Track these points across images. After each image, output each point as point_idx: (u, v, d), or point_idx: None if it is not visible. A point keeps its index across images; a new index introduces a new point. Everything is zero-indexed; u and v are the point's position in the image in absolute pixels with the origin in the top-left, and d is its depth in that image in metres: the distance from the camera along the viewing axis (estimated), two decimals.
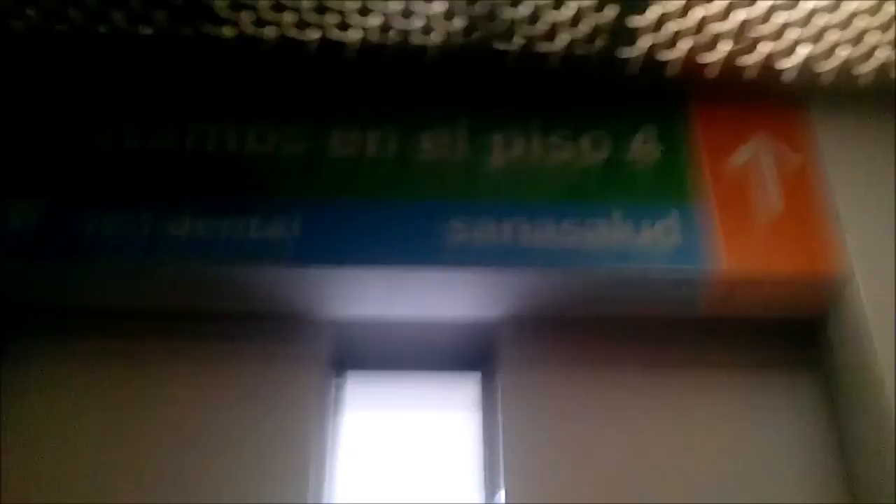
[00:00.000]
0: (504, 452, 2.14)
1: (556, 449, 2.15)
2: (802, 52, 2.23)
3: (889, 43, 2.19)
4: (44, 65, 2.29)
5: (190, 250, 2.07)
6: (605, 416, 2.20)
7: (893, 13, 2.10)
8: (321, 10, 2.12)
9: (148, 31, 2.18)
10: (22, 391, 2.17)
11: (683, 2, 2.07)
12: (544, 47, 2.22)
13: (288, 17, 2.15)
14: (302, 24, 2.17)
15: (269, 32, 2.19)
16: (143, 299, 2.20)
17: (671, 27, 2.15)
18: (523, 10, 2.11)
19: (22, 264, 2.08)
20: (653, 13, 2.11)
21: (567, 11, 2.12)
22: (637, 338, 2.29)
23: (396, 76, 2.31)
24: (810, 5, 2.10)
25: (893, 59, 2.25)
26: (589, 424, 2.19)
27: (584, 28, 2.17)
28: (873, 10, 2.10)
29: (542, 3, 2.09)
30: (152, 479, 2.07)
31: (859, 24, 2.14)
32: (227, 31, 2.18)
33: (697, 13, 2.11)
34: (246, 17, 2.15)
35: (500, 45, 2.22)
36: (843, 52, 2.23)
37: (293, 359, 2.22)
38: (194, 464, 2.09)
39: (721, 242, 2.15)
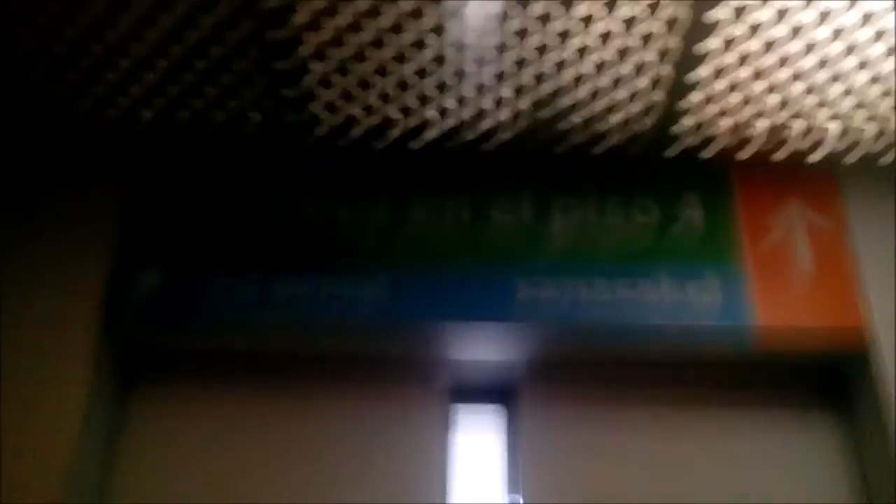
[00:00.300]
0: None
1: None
2: (833, 129, 2.48)
3: None
4: (163, 150, 2.63)
5: (293, 309, 2.40)
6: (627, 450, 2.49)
7: None
8: (405, 111, 2.45)
9: (253, 127, 2.52)
10: (143, 429, 2.52)
11: (725, 86, 2.33)
12: (600, 126, 2.51)
13: (374, 119, 2.47)
14: (389, 126, 2.50)
15: (360, 132, 2.52)
16: (258, 345, 2.54)
17: (713, 108, 2.41)
18: (582, 92, 2.40)
19: (147, 326, 2.43)
20: (696, 97, 2.37)
21: (622, 93, 2.40)
22: (671, 381, 2.57)
23: (470, 152, 2.62)
24: (839, 88, 2.34)
25: None
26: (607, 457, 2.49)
27: (634, 108, 2.45)
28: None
29: (601, 85, 2.37)
30: None
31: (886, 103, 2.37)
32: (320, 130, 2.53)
33: (736, 97, 2.37)
34: (336, 116, 2.48)
35: (561, 125, 2.51)
36: (867, 129, 2.47)
37: (404, 395, 2.55)
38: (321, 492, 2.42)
39: (758, 300, 2.42)
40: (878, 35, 2.19)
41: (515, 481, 2.49)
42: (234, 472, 2.45)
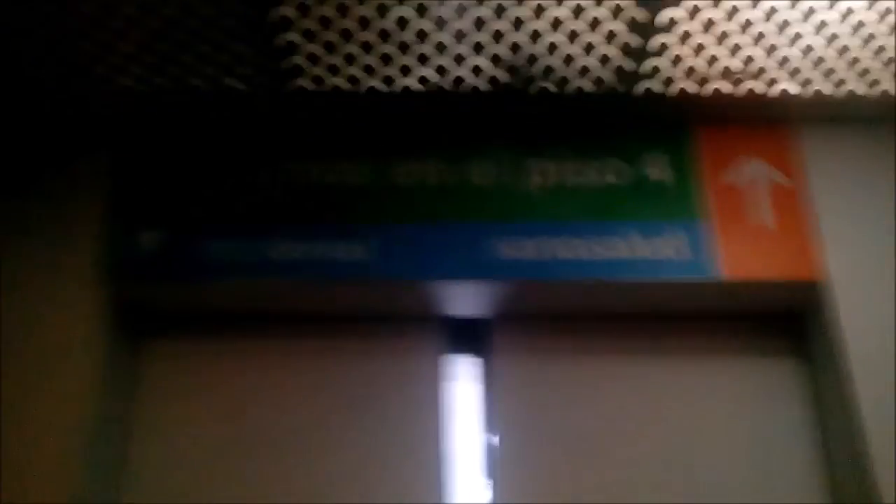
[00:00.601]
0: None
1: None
2: (793, 79, 2.59)
3: (881, 63, 2.52)
4: (153, 117, 2.72)
5: (287, 272, 2.53)
6: (595, 399, 2.67)
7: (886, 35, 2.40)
8: (386, 59, 2.51)
9: (239, 85, 2.59)
10: (155, 385, 2.68)
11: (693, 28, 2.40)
12: (570, 87, 2.62)
13: (357, 70, 2.54)
14: (370, 73, 2.56)
15: (343, 83, 2.59)
16: (257, 306, 2.69)
17: (680, 49, 2.48)
18: (554, 60, 2.51)
19: (149, 284, 2.55)
20: (656, 42, 2.45)
21: (590, 59, 2.51)
22: (637, 333, 2.75)
23: (449, 115, 2.72)
24: (804, 40, 2.43)
25: (882, 84, 2.59)
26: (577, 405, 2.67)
27: (603, 73, 2.56)
28: (866, 33, 2.41)
29: (570, 50, 2.47)
30: (272, 460, 2.59)
31: (852, 44, 2.44)
32: (308, 84, 2.59)
33: (696, 39, 2.45)
34: (322, 71, 2.54)
35: (535, 87, 2.61)
36: (835, 74, 2.56)
37: (393, 349, 2.72)
38: (312, 450, 2.60)
39: (722, 255, 2.57)
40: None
41: (493, 426, 2.66)
42: (234, 421, 2.63)
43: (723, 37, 2.44)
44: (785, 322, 2.75)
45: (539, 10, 2.34)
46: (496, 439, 2.64)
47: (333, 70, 2.55)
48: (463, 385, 2.73)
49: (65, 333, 2.48)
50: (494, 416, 2.67)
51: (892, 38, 2.43)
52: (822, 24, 2.39)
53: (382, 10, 2.32)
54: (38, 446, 2.35)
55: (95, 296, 2.53)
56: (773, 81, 2.61)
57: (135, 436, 2.62)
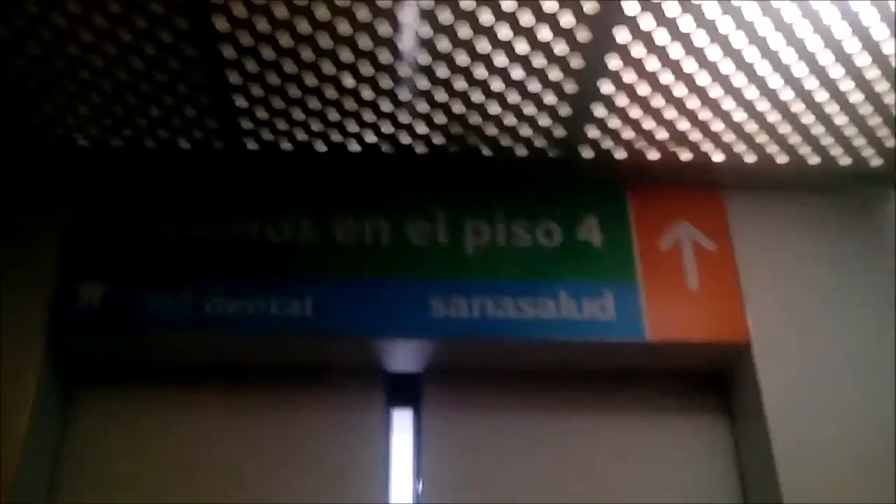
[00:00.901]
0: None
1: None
2: (719, 148, 2.71)
3: (799, 136, 2.64)
4: (103, 172, 2.80)
5: (222, 326, 2.61)
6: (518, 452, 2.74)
7: (803, 108, 2.52)
8: (329, 123, 2.61)
9: (187, 145, 2.69)
10: (88, 433, 2.70)
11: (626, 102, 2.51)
12: (506, 153, 2.73)
13: (300, 132, 2.64)
14: (313, 135, 2.66)
15: (286, 144, 2.69)
16: (195, 359, 2.74)
17: (615, 122, 2.60)
18: (490, 131, 2.62)
19: (87, 336, 2.61)
20: (589, 111, 2.55)
21: (526, 130, 2.63)
22: (565, 390, 2.82)
23: (388, 176, 2.82)
24: (728, 113, 2.54)
25: (802, 153, 2.71)
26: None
27: (538, 141, 2.68)
28: (784, 107, 2.52)
29: (506, 119, 2.59)
30: None
31: (772, 118, 2.56)
32: (251, 144, 2.69)
33: (628, 110, 2.56)
34: (266, 132, 2.65)
35: (472, 151, 2.72)
36: (758, 144, 2.68)
37: (329, 402, 2.77)
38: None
39: (650, 317, 2.66)
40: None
41: (421, 478, 2.72)
42: (168, 474, 2.65)
43: (652, 108, 2.55)
44: (709, 381, 2.83)
45: (476, 82, 2.44)
46: (421, 491, 2.69)
47: (278, 132, 2.65)
48: (399, 438, 2.79)
49: (8, 384, 2.51)
50: (422, 469, 2.72)
51: (809, 113, 2.55)
52: (744, 99, 2.51)
53: (328, 79, 2.42)
54: None
55: (33, 345, 2.57)
56: (699, 150, 2.73)
57: (62, 487, 2.63)
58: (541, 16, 2.21)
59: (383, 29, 2.25)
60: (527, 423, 2.77)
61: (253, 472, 2.66)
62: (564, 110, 2.55)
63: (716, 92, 2.49)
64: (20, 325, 2.59)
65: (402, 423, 2.82)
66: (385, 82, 2.44)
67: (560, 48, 2.32)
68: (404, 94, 2.48)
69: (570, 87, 2.46)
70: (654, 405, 2.82)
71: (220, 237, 2.74)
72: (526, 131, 2.65)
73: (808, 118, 2.59)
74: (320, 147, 2.70)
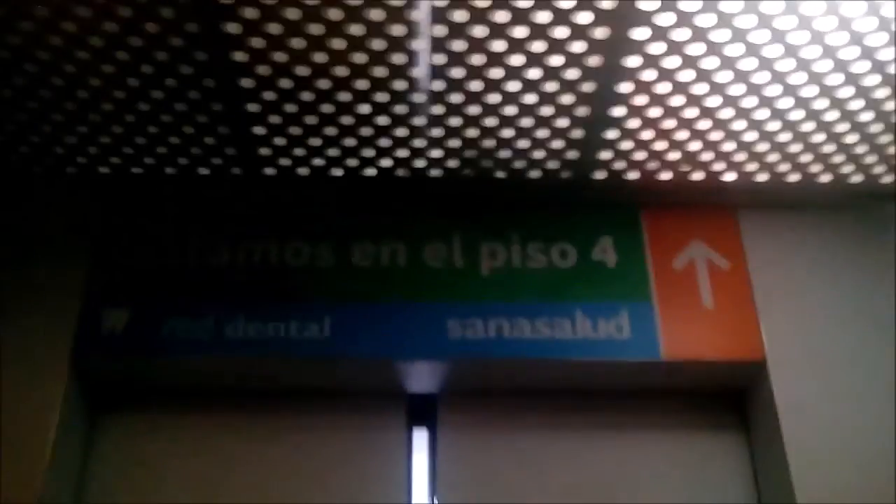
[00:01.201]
0: None
1: None
2: (732, 168, 2.74)
3: (810, 154, 2.66)
4: (125, 200, 2.86)
5: (243, 350, 2.65)
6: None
7: (813, 127, 2.54)
8: (345, 151, 2.66)
9: (206, 171, 2.74)
10: (111, 456, 2.76)
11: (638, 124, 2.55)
12: (520, 176, 2.77)
13: (319, 159, 2.70)
14: (329, 162, 2.71)
15: (302, 170, 2.74)
16: (215, 383, 2.79)
17: (628, 144, 2.63)
18: (504, 154, 2.67)
19: (111, 360, 2.66)
20: (603, 135, 2.59)
21: (539, 152, 2.67)
22: (580, 409, 2.85)
23: (403, 201, 2.87)
24: (742, 123, 2.55)
25: (813, 171, 2.74)
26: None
27: (551, 163, 2.72)
28: (794, 126, 2.54)
29: (522, 145, 2.63)
30: None
31: (782, 137, 2.59)
32: (269, 170, 2.74)
33: (640, 134, 2.59)
34: (283, 158, 2.70)
35: (486, 174, 2.76)
36: (769, 163, 2.71)
37: (353, 426, 2.81)
38: None
39: (665, 336, 2.69)
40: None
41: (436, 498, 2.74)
42: (191, 497, 2.69)
43: (664, 130, 2.58)
44: (725, 399, 2.85)
45: (489, 107, 2.48)
46: None
47: (296, 159, 2.69)
48: (416, 458, 2.82)
49: (22, 403, 2.57)
50: (438, 490, 2.74)
51: (819, 132, 2.58)
52: (755, 119, 2.53)
53: (344, 107, 2.47)
54: None
55: (59, 371, 2.63)
56: (711, 170, 2.76)
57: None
58: (552, 43, 2.25)
59: (397, 58, 2.29)
60: (543, 443, 2.80)
61: (275, 495, 2.70)
62: (577, 133, 2.59)
63: (726, 113, 2.52)
64: (46, 351, 2.65)
65: (420, 443, 2.85)
66: (400, 108, 2.48)
67: (572, 73, 2.36)
68: (419, 120, 2.52)
69: (583, 111, 2.50)
70: (670, 424, 2.84)
71: (239, 262, 2.79)
72: (539, 154, 2.68)
73: (818, 137, 2.61)
74: (337, 172, 2.74)
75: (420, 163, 2.71)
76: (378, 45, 2.25)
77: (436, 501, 2.72)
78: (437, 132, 2.58)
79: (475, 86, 2.40)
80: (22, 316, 2.70)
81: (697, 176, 2.79)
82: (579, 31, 2.21)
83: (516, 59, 2.31)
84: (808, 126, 2.57)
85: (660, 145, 2.65)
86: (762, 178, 2.79)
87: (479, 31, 2.21)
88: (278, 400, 2.83)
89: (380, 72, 2.34)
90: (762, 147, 2.66)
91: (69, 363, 2.64)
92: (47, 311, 2.71)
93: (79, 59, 2.30)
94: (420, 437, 2.85)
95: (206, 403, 2.82)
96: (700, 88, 2.42)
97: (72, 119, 2.52)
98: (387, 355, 2.67)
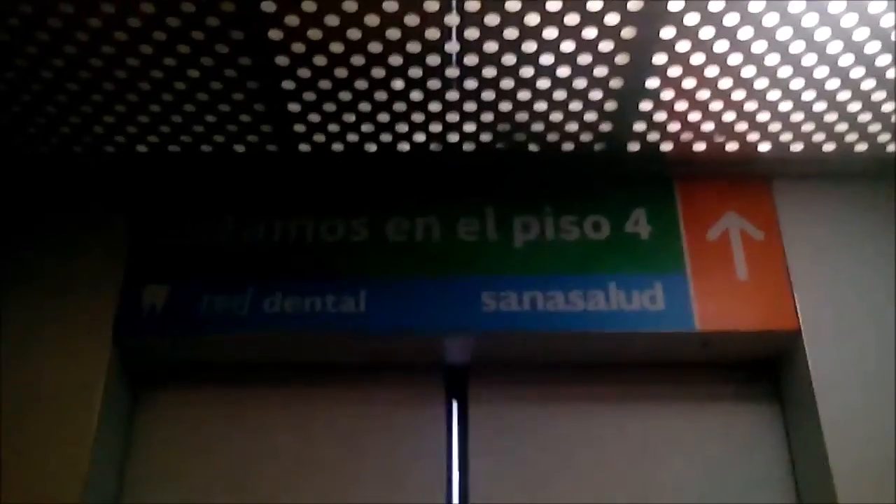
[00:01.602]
0: None
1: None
2: (766, 138, 2.73)
3: (846, 123, 2.65)
4: (162, 178, 2.90)
5: (280, 325, 2.69)
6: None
7: (849, 96, 2.53)
8: (379, 126, 2.68)
9: (241, 149, 2.77)
10: (154, 432, 2.82)
11: (661, 98, 2.54)
12: (554, 148, 2.78)
13: (353, 135, 2.72)
14: (363, 138, 2.73)
15: (337, 146, 2.76)
16: (253, 358, 2.84)
17: (661, 116, 2.63)
18: (537, 127, 2.67)
19: (151, 337, 2.72)
20: (636, 107, 2.59)
21: (573, 125, 2.67)
22: (614, 381, 2.87)
23: (436, 175, 2.89)
24: (776, 93, 2.54)
25: (849, 140, 2.72)
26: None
27: (584, 136, 2.72)
28: (830, 96, 2.53)
29: (555, 118, 2.63)
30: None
31: (818, 107, 2.58)
32: (304, 147, 2.77)
33: (674, 104, 2.59)
34: (318, 135, 2.72)
35: (520, 148, 2.77)
36: (804, 133, 2.70)
37: (390, 399, 2.85)
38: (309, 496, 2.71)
39: (699, 307, 2.69)
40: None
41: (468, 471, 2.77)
42: (233, 470, 2.75)
43: (698, 101, 2.57)
44: (760, 370, 2.85)
45: (522, 81, 2.48)
46: (469, 484, 2.74)
47: (330, 135, 2.72)
48: (450, 431, 2.85)
49: (67, 381, 2.63)
50: (469, 462, 2.77)
51: (856, 101, 2.56)
52: (790, 89, 2.52)
53: (377, 83, 2.48)
54: (34, 490, 2.48)
55: (102, 349, 2.68)
56: (746, 141, 2.75)
57: (130, 485, 2.74)
58: (586, 15, 2.24)
59: (431, 33, 2.29)
60: (577, 415, 2.82)
61: (314, 468, 2.75)
62: (610, 105, 2.59)
63: (761, 83, 2.50)
64: (89, 329, 2.71)
65: (455, 415, 2.88)
66: (433, 83, 2.49)
67: (605, 45, 2.35)
68: (452, 95, 2.52)
69: (616, 83, 2.50)
70: (705, 395, 2.85)
71: (275, 238, 2.83)
72: (572, 127, 2.68)
73: (854, 106, 2.59)
74: (371, 148, 2.76)
75: (453, 137, 2.72)
76: (411, 20, 2.25)
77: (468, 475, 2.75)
78: (470, 106, 2.58)
79: (508, 59, 2.40)
80: (65, 295, 2.76)
81: (731, 146, 2.77)
82: (613, 3, 2.20)
83: (549, 33, 2.30)
84: (844, 95, 2.55)
85: (694, 116, 2.64)
86: (797, 147, 2.78)
87: (512, 5, 2.21)
88: (315, 374, 2.87)
89: (413, 47, 2.34)
90: (797, 116, 2.64)
91: (112, 340, 2.70)
92: (89, 289, 2.76)
93: (116, 41, 2.33)
94: (457, 411, 2.88)
95: (245, 378, 2.88)
96: (734, 59, 2.40)
97: (110, 99, 2.56)
98: (422, 329, 2.69)
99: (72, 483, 2.51)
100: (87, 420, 2.59)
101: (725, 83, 2.50)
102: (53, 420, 2.59)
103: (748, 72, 2.46)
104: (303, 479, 2.73)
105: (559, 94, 2.54)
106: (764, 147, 2.77)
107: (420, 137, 2.72)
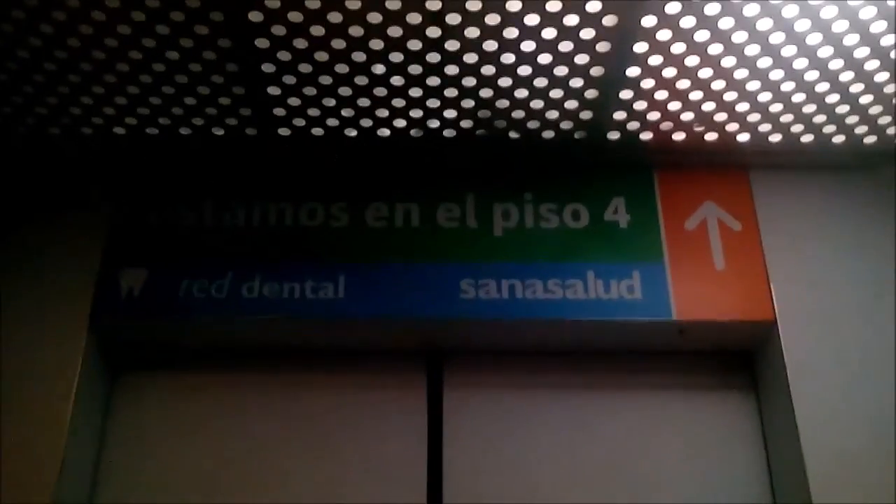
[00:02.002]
0: None
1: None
2: (744, 128, 2.74)
3: (824, 115, 2.66)
4: (140, 160, 2.88)
5: (258, 310, 2.68)
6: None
7: (828, 88, 2.54)
8: (359, 111, 2.67)
9: (220, 132, 2.75)
10: (130, 417, 2.81)
11: (642, 87, 2.55)
12: (534, 136, 2.78)
13: (333, 119, 2.70)
14: (343, 123, 2.72)
15: (316, 130, 2.75)
16: (229, 341, 2.84)
17: (641, 105, 2.63)
18: (517, 115, 2.67)
19: (129, 321, 2.70)
20: (616, 95, 2.59)
21: (553, 113, 2.67)
22: (591, 369, 2.89)
23: (417, 161, 2.88)
24: (756, 84, 2.55)
25: (826, 132, 2.74)
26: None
27: (564, 124, 2.72)
28: (809, 88, 2.55)
29: (535, 106, 2.63)
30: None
31: (796, 98, 2.59)
32: (283, 131, 2.75)
33: (654, 93, 2.59)
34: (298, 119, 2.70)
35: (500, 135, 2.77)
36: (783, 124, 2.71)
37: (368, 385, 2.85)
38: (286, 482, 2.72)
39: (676, 297, 2.71)
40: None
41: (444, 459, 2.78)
42: (211, 455, 2.75)
43: (678, 90, 2.58)
44: (736, 360, 2.88)
45: (503, 67, 2.48)
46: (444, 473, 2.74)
47: (310, 119, 2.70)
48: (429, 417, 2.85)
49: (43, 365, 2.61)
50: (444, 451, 2.78)
51: (836, 93, 2.58)
52: (769, 80, 2.53)
53: (358, 67, 2.47)
54: (9, 476, 2.46)
55: (78, 333, 2.66)
56: (725, 131, 2.76)
57: (106, 470, 2.73)
58: (568, 3, 2.24)
59: (412, 17, 2.28)
60: (553, 403, 2.83)
61: (293, 454, 2.75)
62: (591, 93, 2.59)
63: (741, 73, 2.51)
64: (65, 312, 2.69)
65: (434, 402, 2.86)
66: (414, 69, 2.48)
67: (586, 33, 2.35)
68: (433, 81, 2.52)
69: (597, 71, 2.50)
70: (681, 384, 2.87)
71: (255, 223, 2.82)
72: (553, 114, 2.68)
73: (832, 97, 2.61)
74: (351, 133, 2.75)
75: (434, 123, 2.72)
76: (393, 4, 2.24)
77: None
78: (450, 93, 2.57)
79: (489, 46, 2.39)
80: (41, 278, 2.73)
81: (711, 136, 2.79)
82: None
83: (531, 19, 2.30)
84: (823, 87, 2.56)
85: (674, 106, 2.65)
86: (775, 138, 2.79)
87: None
88: (295, 359, 2.87)
89: (394, 31, 2.33)
90: (776, 107, 2.65)
91: (88, 324, 2.68)
92: (66, 272, 2.74)
93: (94, 21, 2.30)
94: (434, 397, 2.87)
95: (224, 363, 2.87)
96: (715, 49, 2.41)
97: (87, 81, 2.53)
98: (400, 315, 2.69)
99: (48, 468, 2.49)
100: (62, 404, 2.57)
101: (705, 73, 2.51)
102: (28, 404, 2.56)
103: (728, 62, 2.47)
104: (281, 465, 2.73)
105: (540, 82, 2.54)
106: (743, 137, 2.79)
107: (400, 123, 2.72)
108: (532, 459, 2.75)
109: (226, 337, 2.80)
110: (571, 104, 2.64)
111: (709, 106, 2.65)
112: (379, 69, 2.48)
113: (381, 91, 2.57)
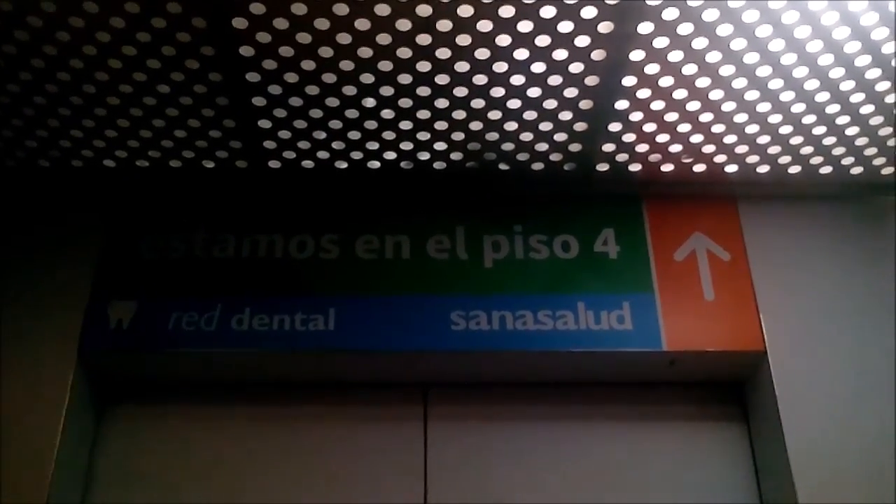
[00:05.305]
0: None
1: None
2: (733, 160, 2.76)
3: (811, 146, 2.69)
4: (130, 193, 2.88)
5: (248, 343, 2.67)
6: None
7: (814, 120, 2.56)
8: (350, 145, 2.68)
9: (211, 164, 2.76)
10: (118, 450, 2.78)
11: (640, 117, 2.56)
12: (523, 168, 2.79)
13: (323, 152, 2.71)
14: (334, 155, 2.73)
15: (307, 162, 2.76)
16: (217, 374, 2.82)
17: (630, 137, 2.65)
18: (507, 147, 2.68)
19: (117, 353, 2.68)
20: (605, 128, 2.60)
21: (542, 145, 2.68)
22: (581, 400, 2.89)
23: (407, 193, 2.90)
24: (744, 116, 2.57)
25: (814, 163, 2.76)
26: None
27: (553, 156, 2.74)
28: (796, 119, 2.57)
29: (525, 138, 2.65)
30: None
31: (784, 130, 2.61)
32: (273, 163, 2.76)
33: (643, 126, 2.61)
34: (288, 151, 2.71)
35: (490, 167, 2.78)
36: (770, 155, 2.73)
37: (359, 417, 2.83)
38: None
39: (666, 328, 2.71)
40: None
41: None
42: (198, 489, 2.72)
43: (666, 122, 2.60)
44: (726, 390, 2.88)
45: (493, 100, 2.50)
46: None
47: (300, 152, 2.71)
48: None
49: (30, 396, 2.59)
50: (429, 480, 2.76)
51: (820, 124, 2.60)
52: (756, 112, 2.56)
53: (349, 101, 2.48)
54: None
55: (66, 365, 2.65)
56: (713, 162, 2.78)
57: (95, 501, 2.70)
58: (557, 37, 2.26)
59: (402, 52, 2.30)
60: (543, 434, 2.82)
61: (282, 487, 2.72)
62: (580, 126, 2.61)
63: (728, 106, 2.53)
64: (54, 344, 2.67)
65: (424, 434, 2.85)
66: (404, 102, 2.49)
67: (575, 67, 2.37)
68: (423, 113, 2.53)
69: (586, 104, 2.52)
70: (672, 414, 2.86)
71: (244, 255, 2.82)
72: (542, 147, 2.70)
73: (819, 129, 2.63)
74: (341, 165, 2.76)
75: (424, 155, 2.73)
76: (383, 39, 2.25)
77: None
78: (441, 125, 2.59)
79: (479, 79, 2.41)
80: (30, 309, 2.72)
81: (699, 168, 2.80)
82: (583, 26, 2.22)
83: (520, 54, 2.32)
84: (809, 119, 2.59)
85: (662, 138, 2.66)
86: (763, 169, 2.81)
87: (484, 25, 2.22)
88: (284, 392, 2.85)
89: (385, 65, 2.35)
90: (763, 139, 2.68)
91: (76, 356, 2.66)
92: (55, 303, 2.73)
93: (85, 55, 2.31)
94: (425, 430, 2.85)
95: (213, 396, 2.85)
96: (703, 82, 2.43)
97: (78, 113, 2.53)
98: (391, 348, 2.69)
99: (35, 501, 2.47)
100: (50, 436, 2.55)
101: (693, 105, 2.53)
102: (16, 436, 2.54)
103: (716, 95, 2.49)
104: (270, 498, 2.71)
105: (530, 115, 2.55)
106: (731, 168, 2.81)
107: (391, 155, 2.73)
108: (522, 491, 2.73)
109: (215, 370, 2.79)
110: (561, 136, 2.65)
111: (697, 138, 2.67)
112: (369, 102, 2.49)
113: (371, 124, 2.58)
